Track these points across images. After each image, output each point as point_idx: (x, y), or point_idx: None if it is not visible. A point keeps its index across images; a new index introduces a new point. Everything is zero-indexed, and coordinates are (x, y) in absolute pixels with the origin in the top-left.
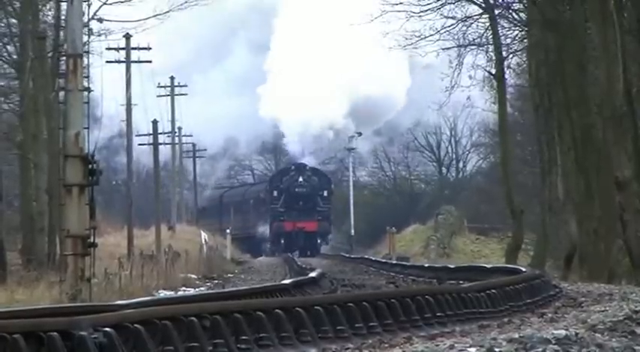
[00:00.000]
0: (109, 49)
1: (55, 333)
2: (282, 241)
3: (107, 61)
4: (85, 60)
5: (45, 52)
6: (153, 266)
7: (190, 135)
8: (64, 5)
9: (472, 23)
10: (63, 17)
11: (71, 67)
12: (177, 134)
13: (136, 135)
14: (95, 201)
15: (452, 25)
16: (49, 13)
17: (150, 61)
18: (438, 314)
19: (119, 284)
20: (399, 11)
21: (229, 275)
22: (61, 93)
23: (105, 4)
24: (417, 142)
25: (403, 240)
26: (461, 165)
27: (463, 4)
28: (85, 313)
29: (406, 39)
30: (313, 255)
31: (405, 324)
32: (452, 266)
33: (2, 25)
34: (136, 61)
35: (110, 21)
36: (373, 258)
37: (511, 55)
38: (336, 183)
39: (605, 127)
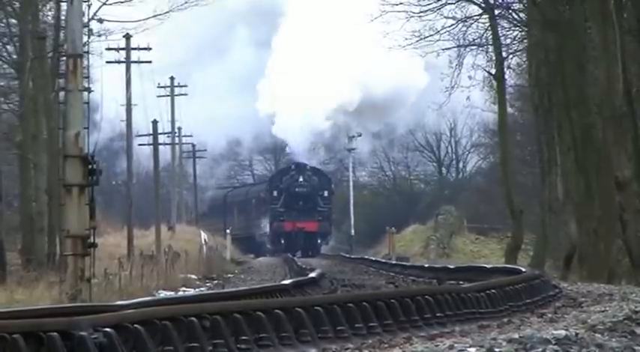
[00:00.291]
0: (108, 49)
1: (55, 333)
2: (282, 241)
3: (107, 62)
4: (85, 60)
5: (45, 52)
6: (153, 267)
7: (190, 136)
8: (64, 5)
9: (472, 23)
10: (63, 17)
11: (71, 67)
12: (177, 134)
13: (136, 136)
14: (95, 201)
15: (452, 25)
16: (49, 13)
17: (150, 62)
18: (438, 314)
19: (119, 285)
20: (399, 11)
21: (229, 275)
22: (61, 94)
23: (105, 4)
24: (417, 142)
25: (403, 240)
26: (461, 165)
27: (463, 4)
28: (85, 313)
29: (406, 39)
30: (313, 255)
31: (404, 324)
32: (451, 267)
33: (2, 25)
34: (135, 62)
35: (110, 21)
36: (373, 258)
37: (511, 55)
38: (336, 184)
39: (605, 127)
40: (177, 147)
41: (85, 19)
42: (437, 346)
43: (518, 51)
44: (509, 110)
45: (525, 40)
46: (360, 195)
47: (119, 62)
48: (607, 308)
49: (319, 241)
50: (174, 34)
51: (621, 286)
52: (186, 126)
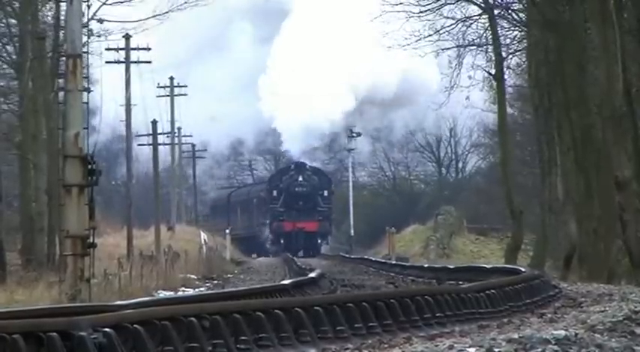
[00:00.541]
0: (108, 49)
1: (55, 333)
2: (282, 241)
3: (107, 62)
4: (85, 60)
5: (44, 52)
6: (152, 267)
7: (190, 136)
8: (63, 6)
9: (472, 23)
10: (62, 17)
11: (70, 67)
12: (176, 134)
13: (136, 136)
14: (94, 202)
15: (451, 25)
16: (49, 13)
17: (149, 62)
18: (438, 314)
19: (118, 285)
20: (399, 11)
21: (229, 275)
22: (61, 94)
23: (104, 4)
24: (417, 143)
25: (403, 240)
26: (460, 165)
27: (463, 4)
28: (85, 313)
29: (405, 39)
30: (313, 255)
31: (404, 324)
32: (451, 267)
33: (2, 25)
34: (135, 62)
35: (110, 21)
36: (373, 259)
37: (510, 56)
38: (336, 184)
39: (605, 127)
40: (176, 147)
41: (85, 20)
42: (436, 346)
43: (518, 51)
44: (509, 110)
45: (525, 40)
46: (359, 196)
47: (118, 62)
48: (607, 309)
49: (319, 241)
50: (174, 33)
51: (621, 286)
52: (187, 126)
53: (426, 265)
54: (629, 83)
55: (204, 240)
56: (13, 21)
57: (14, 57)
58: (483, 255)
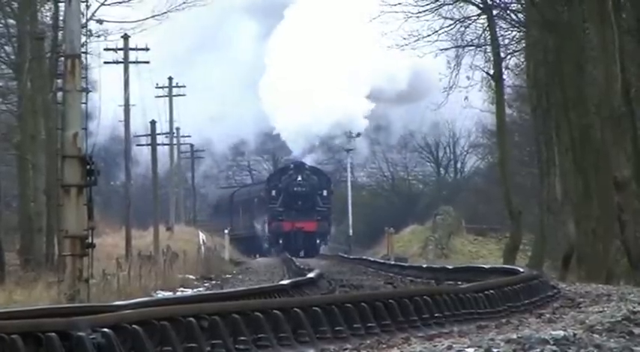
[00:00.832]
0: (107, 49)
1: (54, 334)
2: (281, 241)
3: (105, 62)
4: (84, 60)
5: (43, 52)
6: (151, 267)
7: (189, 136)
8: (62, 6)
9: (470, 24)
10: (61, 18)
11: (69, 67)
12: (175, 135)
13: (134, 136)
14: (93, 202)
15: (450, 25)
16: (48, 13)
17: (148, 62)
18: (436, 314)
19: (117, 285)
20: (397, 12)
21: (227, 275)
22: (59, 94)
23: (103, 4)
24: (416, 143)
25: (401, 240)
26: (459, 165)
27: (461, 4)
28: (83, 314)
29: (404, 39)
30: (312, 255)
31: (403, 325)
32: (450, 267)
33: (0, 25)
34: (134, 62)
35: (108, 21)
36: (371, 259)
37: (509, 56)
38: (335, 184)
39: (604, 127)
40: (175, 147)
41: (84, 20)
42: (435, 346)
43: (517, 51)
44: (508, 110)
45: (523, 41)
46: (358, 196)
47: (117, 62)
48: (605, 309)
49: (318, 241)
50: (173, 32)
51: (619, 286)
52: (187, 127)
53: (424, 265)
54: (627, 83)
55: (203, 241)
56: (12, 21)
57: (13, 57)
58: (482, 255)
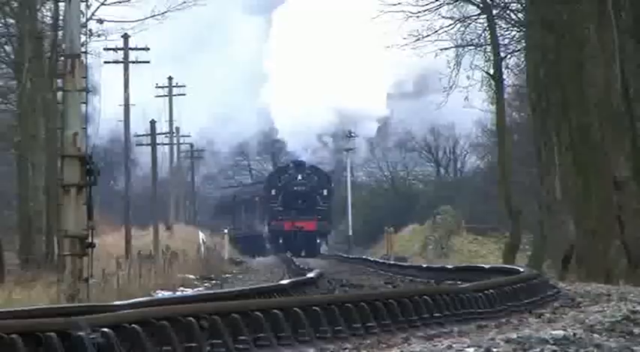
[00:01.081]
0: (107, 49)
1: (53, 333)
2: (281, 241)
3: (105, 62)
4: (84, 60)
5: (43, 52)
6: (151, 267)
7: (189, 136)
8: (62, 5)
9: (470, 23)
10: (61, 17)
11: (69, 67)
12: (175, 134)
13: (134, 136)
14: (93, 201)
15: (450, 25)
16: (48, 13)
17: (148, 62)
18: (436, 314)
19: (117, 285)
20: (397, 11)
21: (227, 275)
22: (59, 94)
23: (103, 4)
24: (415, 143)
25: (401, 240)
26: (459, 165)
27: (461, 4)
28: (83, 313)
29: (404, 39)
30: (313, 255)
31: (403, 324)
32: (450, 267)
33: (0, 25)
34: (134, 62)
35: (108, 21)
36: (371, 259)
37: (509, 56)
38: (334, 183)
39: (603, 127)
40: (175, 147)
41: (84, 19)
42: (435, 346)
43: (516, 51)
44: (508, 110)
45: (523, 40)
46: (358, 195)
47: (117, 62)
48: (605, 309)
49: (318, 241)
50: (174, 30)
51: (619, 286)
52: (189, 127)
53: (424, 265)
54: (627, 83)
55: (203, 240)
56: (12, 21)
57: (13, 57)
58: (482, 255)
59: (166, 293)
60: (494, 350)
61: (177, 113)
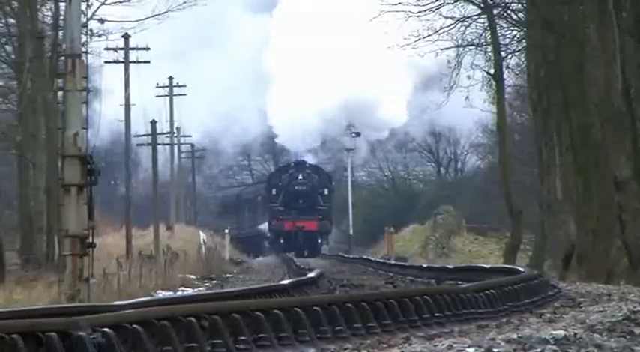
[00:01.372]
0: (107, 49)
1: (54, 333)
2: (282, 241)
3: (106, 62)
4: (85, 60)
5: (43, 52)
6: (151, 267)
7: (189, 136)
8: (62, 5)
9: (471, 23)
10: (62, 17)
11: (70, 67)
12: (175, 134)
13: (135, 136)
14: (94, 201)
15: (450, 25)
16: (48, 13)
17: (148, 62)
18: (437, 314)
19: (118, 285)
20: (398, 11)
21: (228, 275)
22: (60, 93)
23: (103, 4)
24: (416, 143)
25: (402, 240)
26: (459, 165)
27: (462, 4)
28: (84, 313)
29: (405, 39)
30: (314, 255)
31: (403, 324)
32: (450, 267)
33: (1, 25)
34: (134, 62)
35: (109, 21)
36: (372, 258)
37: (510, 56)
38: (335, 183)
39: (604, 127)
40: (176, 147)
41: (84, 19)
42: (435, 346)
43: (517, 51)
44: (508, 110)
45: (524, 40)
46: (358, 195)
47: (117, 62)
48: (606, 308)
49: (319, 241)
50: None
51: (620, 286)
52: (193, 127)
53: (424, 265)
54: (627, 83)
55: (203, 240)
56: (13, 21)
57: (13, 56)
58: (482, 255)
59: (167, 293)
60: (495, 350)
61: (178, 113)
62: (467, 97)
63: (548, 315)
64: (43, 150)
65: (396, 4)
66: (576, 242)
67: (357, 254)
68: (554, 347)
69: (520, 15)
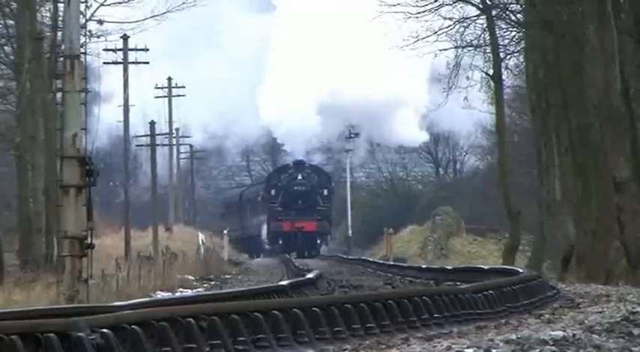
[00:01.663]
0: (106, 50)
1: (53, 334)
2: (280, 241)
3: (105, 63)
4: (83, 61)
5: (42, 53)
6: (150, 268)
7: (189, 136)
8: (61, 6)
9: (469, 24)
10: (60, 18)
11: (68, 68)
12: (174, 135)
13: (134, 137)
14: (92, 202)
15: (449, 26)
16: (47, 14)
17: (147, 62)
18: (436, 315)
19: (116, 286)
20: (397, 12)
21: (227, 276)
22: (59, 94)
23: (102, 5)
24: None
25: (400, 241)
26: (458, 166)
27: (460, 5)
28: (83, 314)
29: (404, 40)
30: (313, 255)
31: (402, 325)
32: (449, 268)
33: (0, 26)
34: (133, 63)
35: (108, 22)
36: (370, 259)
37: (508, 56)
38: (334, 184)
39: (603, 128)
40: (175, 147)
41: (83, 20)
42: (434, 347)
43: (516, 52)
44: (507, 111)
45: (523, 41)
46: (357, 196)
47: (116, 63)
48: (604, 309)
49: (318, 241)
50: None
51: (619, 287)
52: (194, 127)
53: (423, 266)
54: (626, 84)
55: (202, 241)
56: (11, 22)
57: (12, 57)
58: (481, 256)
59: (166, 294)
60: (494, 350)
61: (177, 114)
62: (466, 98)
63: (547, 316)
64: (41, 151)
65: (394, 5)
66: (575, 243)
67: (355, 255)
68: (553, 348)
69: (519, 16)
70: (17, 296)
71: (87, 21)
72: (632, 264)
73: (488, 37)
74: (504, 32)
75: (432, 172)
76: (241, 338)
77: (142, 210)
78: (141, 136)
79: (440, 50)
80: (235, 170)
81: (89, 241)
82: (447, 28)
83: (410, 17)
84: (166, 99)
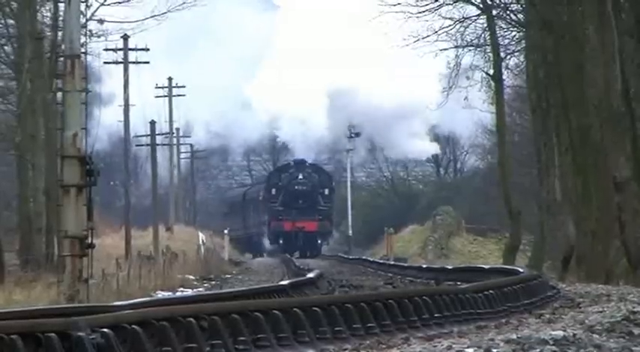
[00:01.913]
0: (106, 49)
1: (53, 334)
2: (281, 241)
3: (105, 62)
4: (84, 60)
5: (43, 52)
6: (150, 267)
7: (189, 136)
8: (61, 6)
9: (470, 24)
10: (61, 18)
11: (69, 67)
12: (175, 135)
13: (134, 136)
14: (93, 202)
15: (450, 25)
16: (47, 13)
17: (148, 62)
18: (436, 315)
19: (117, 285)
20: (397, 12)
21: (227, 276)
22: (59, 94)
23: (103, 4)
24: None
25: (401, 240)
26: (459, 165)
27: (461, 5)
28: (83, 314)
29: (404, 39)
30: (314, 255)
31: (402, 325)
32: (449, 267)
33: (0, 25)
34: (133, 62)
35: (108, 22)
36: (371, 259)
37: (509, 56)
38: (335, 184)
39: (603, 128)
40: (175, 147)
41: (83, 20)
42: (435, 347)
43: (516, 51)
44: (507, 111)
45: (523, 41)
46: (358, 196)
47: (117, 63)
48: (605, 309)
49: (319, 241)
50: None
51: (619, 287)
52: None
53: (424, 265)
54: (627, 83)
55: (203, 241)
56: (12, 21)
57: (12, 57)
58: (481, 256)
59: (166, 294)
60: (494, 350)
61: (177, 114)
62: (466, 98)
63: (547, 316)
64: (42, 151)
65: (395, 5)
66: (575, 242)
67: (356, 254)
68: (554, 348)
69: (519, 16)
70: (18, 296)
71: (87, 20)
72: (633, 264)
73: (489, 37)
74: (505, 32)
75: (432, 172)
76: (242, 338)
77: (143, 210)
78: (141, 136)
79: (440, 50)
80: (236, 170)
81: (89, 241)
82: (447, 27)
83: (410, 17)
84: (167, 99)
